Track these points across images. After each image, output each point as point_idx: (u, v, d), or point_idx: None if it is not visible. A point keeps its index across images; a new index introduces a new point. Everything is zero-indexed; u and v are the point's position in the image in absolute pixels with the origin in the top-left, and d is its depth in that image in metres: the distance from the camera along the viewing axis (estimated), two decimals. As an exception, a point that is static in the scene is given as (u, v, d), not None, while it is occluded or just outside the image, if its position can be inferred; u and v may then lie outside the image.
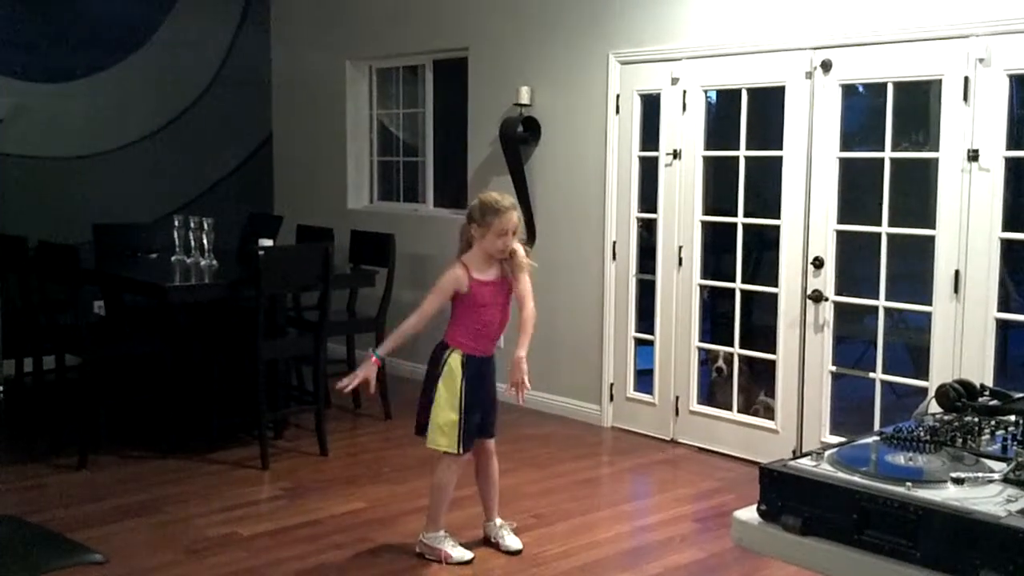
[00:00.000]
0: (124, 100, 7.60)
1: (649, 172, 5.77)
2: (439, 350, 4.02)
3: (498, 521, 4.22)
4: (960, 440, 2.18)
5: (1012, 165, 4.46)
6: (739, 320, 5.48)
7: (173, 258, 6.08)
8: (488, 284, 3.96)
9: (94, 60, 7.46)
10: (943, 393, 2.41)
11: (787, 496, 1.98)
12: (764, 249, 5.65)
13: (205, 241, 5.90)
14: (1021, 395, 2.44)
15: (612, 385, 6.01)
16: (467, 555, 4.04)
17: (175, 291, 5.30)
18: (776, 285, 5.23)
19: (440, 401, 3.95)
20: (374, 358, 4.01)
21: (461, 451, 3.96)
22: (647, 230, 5.90)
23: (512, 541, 4.15)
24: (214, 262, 5.83)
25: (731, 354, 5.54)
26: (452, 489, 4.09)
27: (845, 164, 5.00)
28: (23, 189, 7.10)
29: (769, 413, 5.36)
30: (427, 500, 4.75)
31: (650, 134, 5.74)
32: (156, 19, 7.75)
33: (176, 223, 6.14)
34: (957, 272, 4.54)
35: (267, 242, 5.99)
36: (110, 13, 7.52)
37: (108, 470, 5.15)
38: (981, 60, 4.41)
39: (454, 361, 3.95)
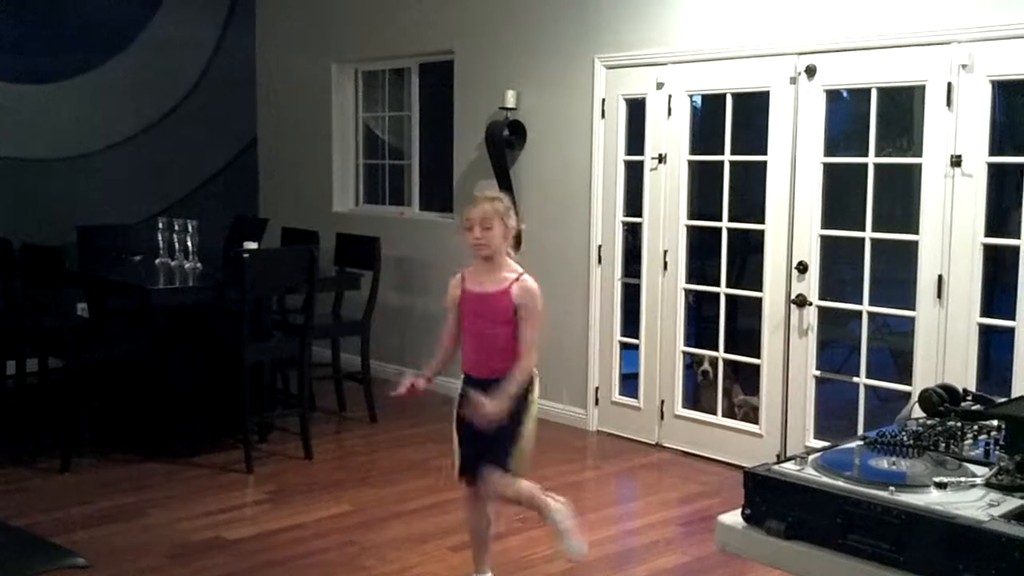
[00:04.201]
0: (109, 102, 7.57)
1: (634, 176, 5.78)
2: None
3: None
4: (943, 445, 2.19)
5: (995, 171, 4.48)
6: (724, 324, 5.49)
7: (157, 260, 6.05)
8: (473, 296, 3.57)
9: (79, 61, 7.42)
10: (926, 398, 2.42)
11: (771, 500, 1.98)
12: (749, 253, 5.67)
13: (189, 243, 5.88)
14: (1004, 400, 2.46)
15: (597, 389, 6.01)
16: None
17: (159, 294, 5.29)
18: (760, 289, 5.25)
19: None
20: (421, 379, 3.62)
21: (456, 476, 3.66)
22: (632, 234, 5.91)
23: None
24: (198, 265, 5.81)
25: (716, 358, 5.56)
26: (469, 523, 3.78)
27: (829, 169, 5.02)
28: (7, 191, 7.07)
29: (753, 414, 5.37)
30: (412, 503, 4.78)
31: (635, 138, 5.75)
32: (141, 21, 7.71)
33: (160, 225, 6.12)
34: (940, 277, 4.57)
35: (252, 245, 5.98)
36: (95, 15, 7.48)
37: (91, 473, 5.13)
38: (964, 66, 4.44)
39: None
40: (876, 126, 4.79)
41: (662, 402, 5.72)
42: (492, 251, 3.55)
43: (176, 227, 5.95)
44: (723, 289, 5.47)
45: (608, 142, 5.86)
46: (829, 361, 5.26)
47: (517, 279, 3.55)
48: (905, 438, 2.21)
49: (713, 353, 5.58)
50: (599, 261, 5.95)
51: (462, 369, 3.63)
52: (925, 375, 4.57)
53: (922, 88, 4.62)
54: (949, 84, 4.48)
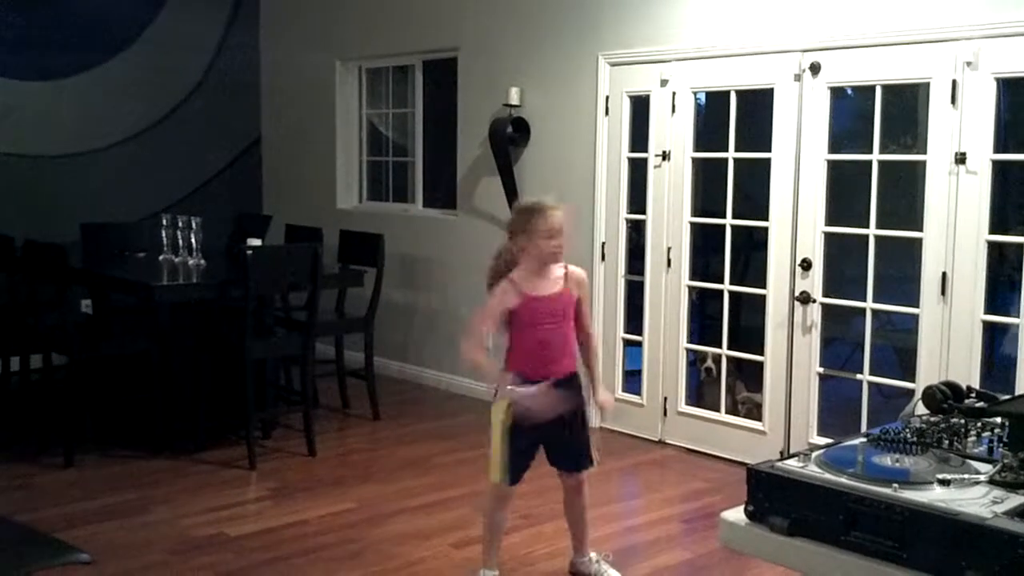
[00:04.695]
0: (112, 99, 7.58)
1: (638, 173, 5.78)
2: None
3: (592, 555, 3.94)
4: (946, 442, 2.19)
5: (999, 168, 4.48)
6: (727, 321, 5.49)
7: (161, 257, 6.06)
8: (537, 299, 3.59)
9: (82, 59, 7.43)
10: (930, 395, 2.41)
11: (774, 497, 1.98)
12: (752, 250, 5.66)
13: (193, 240, 5.88)
14: (1007, 397, 2.45)
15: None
16: None
17: (162, 291, 5.29)
18: (764, 286, 5.24)
19: (495, 428, 3.60)
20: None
21: (507, 482, 3.65)
22: (636, 231, 5.90)
23: (614, 574, 3.89)
24: (202, 261, 5.81)
25: (719, 355, 5.55)
26: (497, 520, 3.80)
27: (833, 166, 5.01)
28: (10, 188, 7.08)
29: (756, 410, 5.37)
30: (415, 500, 4.78)
31: (639, 135, 5.75)
32: (145, 18, 7.72)
33: (164, 222, 6.11)
34: (944, 274, 4.56)
35: (255, 242, 5.98)
36: (99, 12, 7.49)
37: (95, 470, 5.13)
38: (969, 63, 4.43)
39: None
40: (880, 123, 4.78)
41: (665, 399, 5.72)
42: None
43: (180, 224, 5.95)
44: (727, 286, 5.47)
45: (612, 139, 5.85)
46: (833, 358, 5.26)
47: (567, 273, 3.66)
48: (909, 435, 2.21)
49: (716, 350, 5.57)
50: (603, 258, 5.95)
51: (525, 376, 3.58)
52: (929, 372, 4.56)
53: (927, 85, 4.61)
54: (954, 81, 4.47)
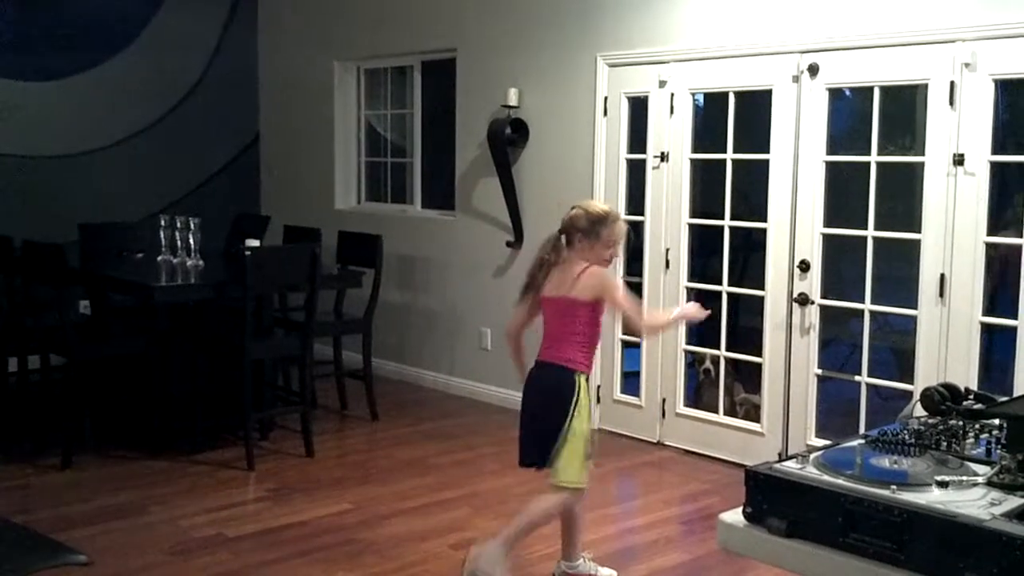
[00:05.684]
0: (111, 99, 7.57)
1: (636, 175, 5.78)
2: (562, 375, 3.63)
3: (585, 555, 3.92)
4: (945, 443, 2.19)
5: (997, 169, 4.48)
6: (725, 323, 5.49)
7: (159, 258, 6.05)
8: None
9: (81, 59, 7.42)
10: (928, 396, 2.42)
11: (772, 499, 1.98)
12: (751, 252, 5.66)
13: (191, 241, 5.88)
14: (1005, 399, 2.46)
15: (599, 387, 6.01)
16: None
17: (161, 291, 5.29)
18: (762, 288, 5.24)
19: (576, 432, 3.59)
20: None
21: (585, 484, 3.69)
22: (634, 233, 5.90)
23: (606, 572, 3.91)
24: (200, 262, 5.81)
25: (717, 357, 5.55)
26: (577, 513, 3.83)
27: (831, 168, 5.01)
28: (9, 188, 7.07)
29: (754, 412, 5.37)
30: (413, 501, 4.76)
31: (638, 137, 5.75)
32: (143, 18, 7.72)
33: (162, 223, 6.11)
34: (942, 276, 4.56)
35: (254, 242, 5.98)
36: (98, 12, 7.49)
37: (93, 470, 5.13)
38: (967, 65, 4.43)
39: (584, 388, 3.63)
40: (879, 124, 4.78)
41: (663, 400, 5.72)
42: None
43: (178, 224, 5.94)
44: (725, 287, 5.47)
45: (610, 140, 5.85)
46: (831, 360, 5.26)
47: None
48: (907, 437, 2.21)
49: (715, 351, 5.58)
50: (601, 259, 5.94)
51: (590, 373, 3.73)
52: (927, 374, 4.57)
53: (925, 86, 4.61)
54: (952, 83, 4.48)
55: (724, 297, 5.48)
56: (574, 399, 3.59)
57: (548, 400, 3.63)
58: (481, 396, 6.52)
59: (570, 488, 3.64)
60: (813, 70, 4.95)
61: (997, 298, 4.74)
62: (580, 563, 3.89)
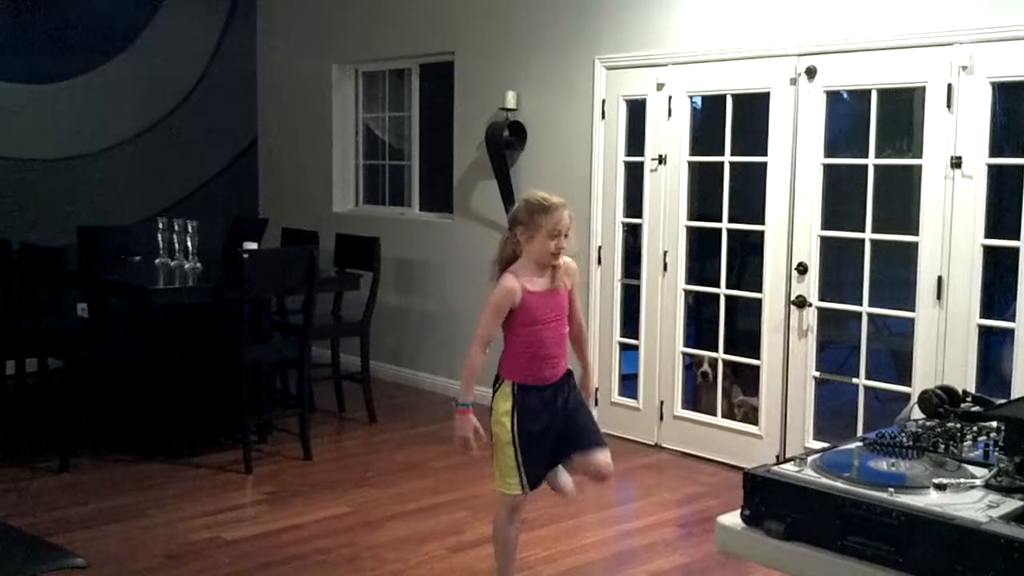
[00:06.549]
0: (109, 102, 7.57)
1: (634, 177, 5.78)
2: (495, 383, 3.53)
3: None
4: (942, 446, 2.19)
5: (995, 172, 4.48)
6: (723, 325, 5.49)
7: (157, 261, 6.05)
8: (542, 295, 3.43)
9: (79, 62, 7.42)
10: (926, 399, 2.42)
11: (770, 501, 1.98)
12: (748, 254, 5.67)
13: (189, 244, 5.88)
14: (1003, 401, 2.46)
15: (597, 390, 6.00)
16: None
17: (159, 294, 5.28)
18: (760, 290, 5.24)
19: (498, 438, 3.47)
20: (461, 409, 3.48)
21: (525, 490, 3.47)
22: (632, 235, 5.90)
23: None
24: (198, 265, 5.81)
25: (715, 359, 5.56)
26: (510, 538, 3.60)
27: (829, 170, 5.02)
28: (7, 191, 7.07)
29: (752, 414, 5.37)
30: (411, 504, 4.75)
31: (636, 139, 5.75)
32: (142, 21, 7.72)
33: (160, 226, 6.11)
34: (940, 278, 4.56)
35: (252, 245, 5.97)
36: (95, 15, 7.48)
37: (90, 473, 5.12)
38: (964, 68, 4.44)
39: (503, 395, 3.47)
40: (876, 127, 4.78)
41: (661, 403, 5.72)
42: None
43: (176, 227, 5.95)
44: (723, 290, 5.47)
45: (608, 143, 5.86)
46: (829, 362, 5.26)
47: (562, 267, 3.48)
48: (904, 439, 2.21)
49: (713, 354, 5.58)
50: (599, 262, 5.95)
51: (523, 382, 3.45)
52: (925, 376, 4.57)
53: (922, 89, 4.62)
54: (949, 85, 4.48)
55: (722, 299, 5.48)
56: (492, 406, 3.48)
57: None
58: (479, 399, 6.50)
59: (503, 495, 3.50)
60: (811, 73, 4.96)
61: (994, 300, 4.75)
62: None
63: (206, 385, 5.51)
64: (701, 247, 5.76)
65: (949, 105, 4.49)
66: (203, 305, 5.51)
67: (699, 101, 5.68)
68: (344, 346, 6.37)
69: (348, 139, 7.78)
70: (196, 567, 4.03)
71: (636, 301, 5.80)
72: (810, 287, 5.05)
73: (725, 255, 5.43)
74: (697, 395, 5.70)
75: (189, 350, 5.50)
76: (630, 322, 5.89)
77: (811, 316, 5.06)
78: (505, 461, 3.44)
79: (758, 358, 5.28)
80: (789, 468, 2.05)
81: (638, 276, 5.78)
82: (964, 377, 4.42)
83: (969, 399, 2.48)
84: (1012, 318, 4.41)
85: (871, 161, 4.81)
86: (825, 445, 2.32)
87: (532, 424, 3.42)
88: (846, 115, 5.33)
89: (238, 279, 5.16)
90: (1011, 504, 1.86)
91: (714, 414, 5.53)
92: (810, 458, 2.10)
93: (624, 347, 5.95)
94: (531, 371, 3.44)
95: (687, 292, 5.66)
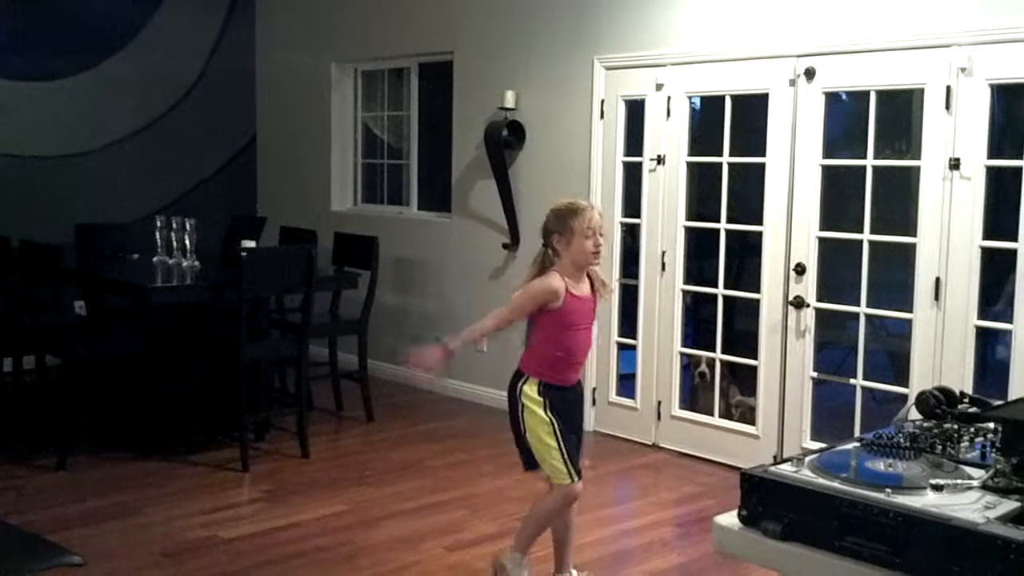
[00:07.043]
0: (108, 100, 7.56)
1: (633, 177, 5.78)
2: (512, 380, 3.59)
3: (574, 572, 3.81)
4: (940, 447, 2.19)
5: (993, 174, 4.48)
6: (721, 325, 5.50)
7: (155, 259, 6.04)
8: (582, 300, 3.51)
9: (78, 59, 7.41)
10: (923, 400, 2.42)
11: (768, 502, 1.98)
12: (747, 255, 5.67)
13: (187, 242, 5.87)
14: (1000, 402, 2.46)
15: (595, 389, 6.01)
16: None
17: (157, 292, 5.28)
18: (758, 291, 5.25)
19: (531, 431, 3.54)
20: (441, 345, 3.52)
21: (574, 480, 3.57)
22: (631, 235, 5.91)
23: None
24: (196, 263, 5.80)
25: (713, 359, 5.56)
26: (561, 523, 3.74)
27: (828, 171, 5.02)
28: (5, 188, 7.06)
29: (750, 415, 5.37)
30: (409, 503, 4.75)
31: (634, 139, 5.75)
32: (140, 19, 7.71)
33: (159, 224, 6.10)
34: (938, 280, 4.57)
35: (250, 243, 5.97)
36: (95, 13, 7.47)
37: (87, 471, 5.12)
38: (963, 69, 4.44)
39: (530, 389, 3.52)
40: (875, 129, 4.79)
41: (659, 403, 5.72)
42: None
43: (174, 225, 5.94)
44: (721, 290, 5.48)
45: (607, 143, 5.86)
46: (826, 363, 5.27)
47: (589, 274, 3.59)
48: (902, 440, 2.21)
49: (710, 354, 5.58)
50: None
51: (552, 382, 3.53)
52: (922, 377, 4.57)
53: (921, 91, 4.62)
54: (948, 87, 4.48)
55: (720, 300, 5.48)
56: (519, 402, 3.55)
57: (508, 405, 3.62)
58: (477, 398, 6.51)
59: (558, 486, 3.58)
60: (809, 74, 4.96)
61: (992, 302, 4.76)
62: None
63: (204, 383, 5.51)
64: (699, 247, 5.76)
65: (948, 107, 4.49)
66: (201, 303, 5.51)
67: (698, 102, 5.69)
68: (342, 345, 6.37)
69: (347, 138, 7.78)
70: (193, 565, 4.03)
71: (634, 301, 5.80)
72: (808, 288, 5.05)
73: (723, 255, 5.44)
74: (695, 395, 5.71)
75: (187, 348, 5.50)
76: (628, 322, 5.89)
77: (809, 317, 5.06)
78: (551, 454, 3.52)
79: (756, 358, 5.29)
80: (786, 468, 2.06)
81: (636, 276, 5.79)
82: (961, 378, 4.42)
83: (966, 400, 2.49)
84: (1009, 319, 4.41)
85: (869, 162, 4.81)
86: (822, 445, 2.32)
87: (561, 420, 3.53)
88: (845, 116, 5.34)
89: (236, 277, 5.16)
90: (1008, 505, 1.86)
91: (712, 414, 5.54)
92: (807, 458, 2.11)
93: (622, 347, 5.96)
94: (558, 372, 3.54)
95: (685, 292, 5.66)
